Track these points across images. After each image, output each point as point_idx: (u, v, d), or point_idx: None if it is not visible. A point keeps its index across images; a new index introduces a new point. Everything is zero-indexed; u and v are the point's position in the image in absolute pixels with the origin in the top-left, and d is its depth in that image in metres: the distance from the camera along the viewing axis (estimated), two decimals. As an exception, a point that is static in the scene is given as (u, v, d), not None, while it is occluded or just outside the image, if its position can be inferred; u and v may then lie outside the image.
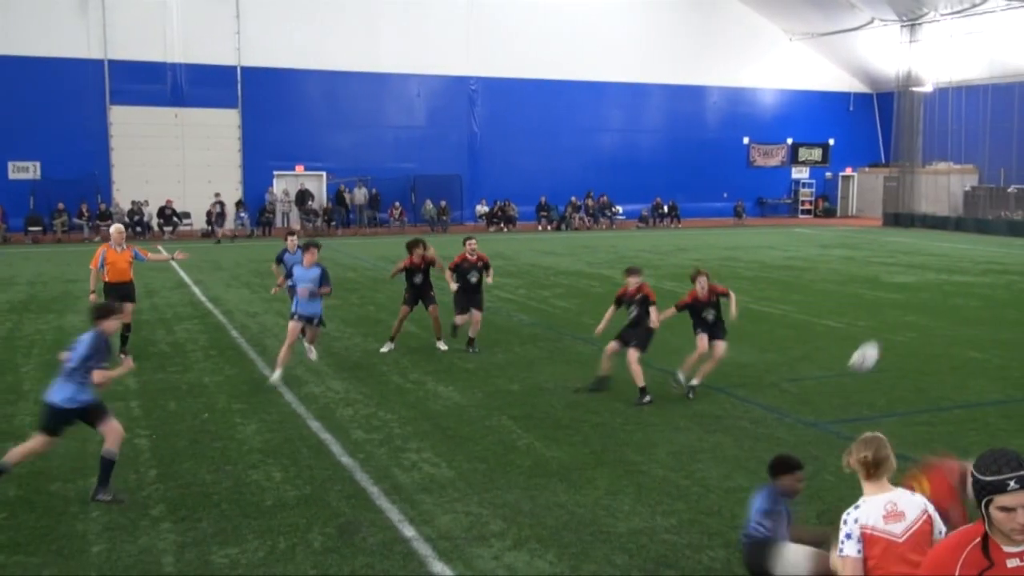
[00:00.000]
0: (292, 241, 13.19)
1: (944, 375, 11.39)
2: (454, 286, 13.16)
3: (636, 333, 10.64)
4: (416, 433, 9.25)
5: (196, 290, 19.53)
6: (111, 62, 33.91)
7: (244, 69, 35.74)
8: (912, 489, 4.61)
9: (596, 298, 18.17)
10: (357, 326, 15.32)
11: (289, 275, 12.53)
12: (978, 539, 3.05)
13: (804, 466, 5.92)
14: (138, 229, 33.12)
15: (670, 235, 35.75)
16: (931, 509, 4.14)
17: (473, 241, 13.52)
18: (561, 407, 10.25)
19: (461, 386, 11.19)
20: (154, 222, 33.85)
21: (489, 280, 13.67)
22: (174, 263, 18.62)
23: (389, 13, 37.25)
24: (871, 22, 40.14)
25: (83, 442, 8.89)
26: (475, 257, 13.30)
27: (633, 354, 10.47)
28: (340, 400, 10.57)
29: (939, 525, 4.10)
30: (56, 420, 7.37)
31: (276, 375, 11.17)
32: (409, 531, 6.77)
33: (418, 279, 13.36)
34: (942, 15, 37.19)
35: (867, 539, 3.96)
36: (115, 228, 13.01)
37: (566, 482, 7.81)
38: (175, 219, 33.85)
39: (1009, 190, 38.37)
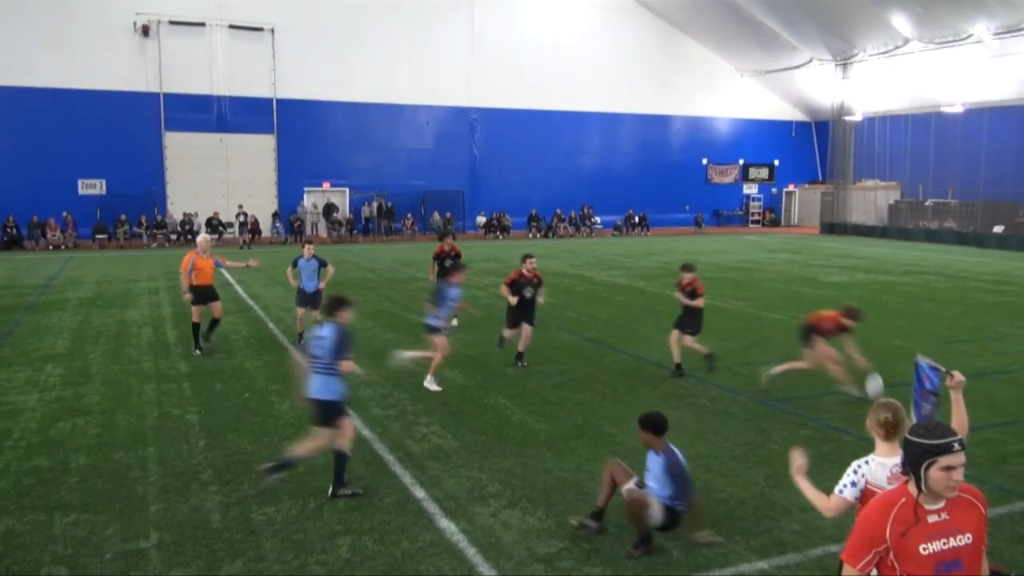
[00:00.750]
0: (309, 250, 12.66)
1: (872, 360, 11.37)
2: (513, 300, 11.41)
3: (689, 321, 10.98)
4: (426, 410, 9.24)
5: (238, 288, 19.48)
6: (166, 95, 33.79)
7: (279, 100, 35.62)
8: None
9: (578, 295, 18.19)
10: (375, 319, 15.29)
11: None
12: (904, 499, 3.04)
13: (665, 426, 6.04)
14: (188, 237, 33.06)
15: (640, 242, 35.74)
16: None
17: (533, 260, 11.70)
18: (548, 387, 10.25)
19: (463, 370, 11.18)
20: (203, 230, 33.69)
21: (541, 299, 11.76)
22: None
23: (402, 53, 37.21)
24: (810, 61, 40.18)
25: (140, 418, 8.88)
26: (531, 274, 11.59)
27: (689, 340, 10.92)
28: (361, 382, 10.51)
29: None
30: (332, 414, 6.76)
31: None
32: (420, 492, 6.76)
33: (448, 263, 14.39)
34: (870, 55, 37.23)
35: (867, 494, 3.90)
36: (202, 238, 12.71)
37: (553, 451, 7.81)
38: (220, 228, 33.73)
39: (926, 203, 38.43)
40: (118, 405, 9.38)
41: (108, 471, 7.24)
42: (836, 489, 4.00)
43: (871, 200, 41.27)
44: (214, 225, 33.62)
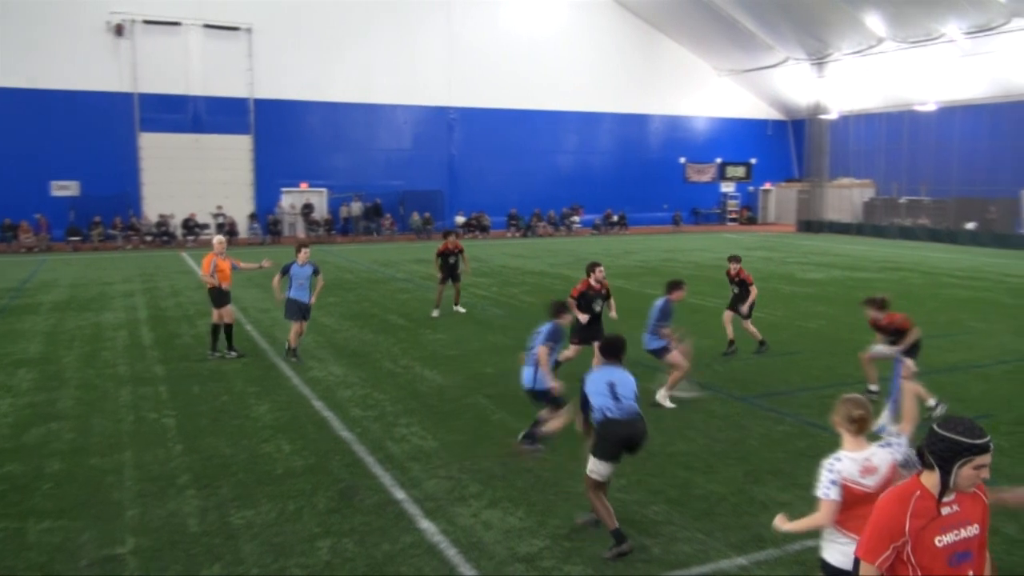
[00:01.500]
0: (305, 253, 11.88)
1: (849, 356, 11.51)
2: (584, 317, 10.12)
3: (739, 306, 11.93)
4: (406, 410, 9.20)
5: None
6: (140, 95, 33.40)
7: (256, 101, 35.34)
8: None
9: (558, 294, 18.13)
10: (354, 319, 15.21)
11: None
12: (918, 492, 3.03)
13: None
14: (165, 238, 32.73)
15: (619, 240, 35.86)
16: (898, 455, 4.03)
17: (601, 269, 10.33)
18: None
19: (444, 370, 11.15)
20: (178, 232, 33.41)
21: (613, 314, 10.53)
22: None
23: (381, 53, 37.07)
24: (785, 60, 40.51)
25: (116, 422, 8.78)
26: (600, 285, 10.27)
27: (745, 322, 12.00)
28: (340, 383, 10.49)
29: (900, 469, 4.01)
30: (547, 397, 7.62)
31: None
32: (400, 494, 6.73)
33: (452, 260, 15.48)
34: (844, 55, 37.61)
35: (846, 491, 3.90)
36: (218, 240, 12.37)
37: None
38: (196, 229, 33.43)
39: (900, 201, 38.90)
40: (93, 409, 9.26)
41: (83, 477, 7.15)
42: (820, 494, 3.96)
43: (846, 198, 41.70)
44: (190, 227, 33.33)
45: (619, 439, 5.83)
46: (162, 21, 33.32)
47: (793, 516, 5.53)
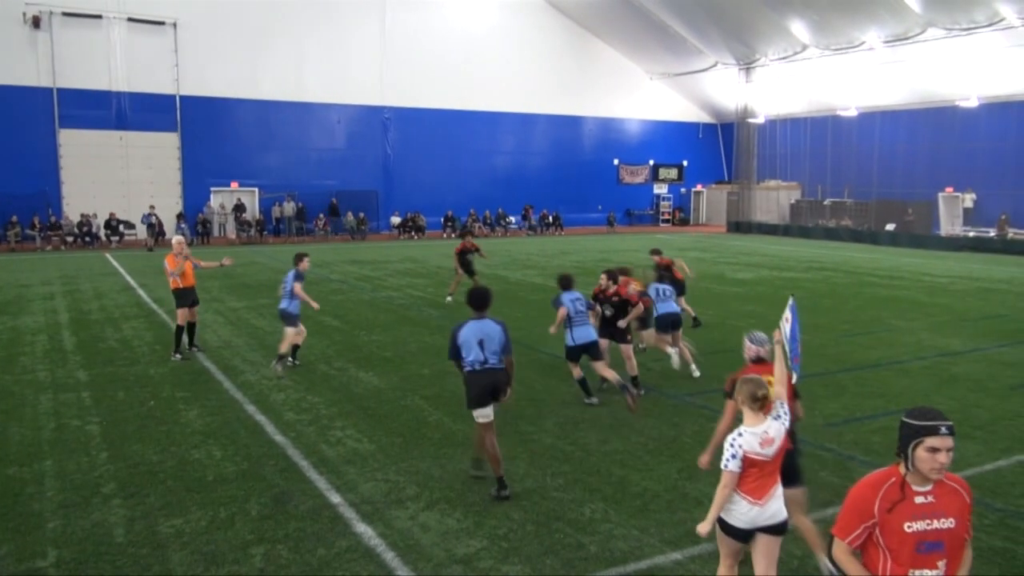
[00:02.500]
0: (307, 263, 11.52)
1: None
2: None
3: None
4: (341, 413, 9.08)
5: (141, 292, 18.70)
6: (60, 90, 32.12)
7: (182, 97, 34.38)
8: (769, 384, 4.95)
9: (494, 295, 18.15)
10: (287, 322, 14.90)
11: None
12: (894, 479, 3.25)
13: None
14: (87, 239, 31.56)
15: (554, 241, 36.11)
16: (787, 423, 4.51)
17: (604, 276, 10.17)
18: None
19: (379, 372, 11.05)
20: (102, 232, 32.26)
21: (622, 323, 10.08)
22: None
23: (313, 50, 36.52)
24: (715, 65, 41.46)
25: (35, 430, 8.43)
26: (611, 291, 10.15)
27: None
28: (273, 386, 10.30)
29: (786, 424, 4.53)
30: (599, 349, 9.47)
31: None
32: (336, 498, 6.64)
33: (469, 257, 17.81)
34: (771, 60, 38.70)
35: (747, 460, 4.35)
36: (177, 240, 12.22)
37: (470, 451, 7.75)
38: (120, 230, 32.33)
39: (825, 203, 40.22)
40: (10, 417, 8.86)
41: (0, 488, 6.83)
42: (722, 465, 4.39)
43: (774, 199, 42.91)
44: (113, 226, 32.23)
45: (483, 387, 6.67)
46: (82, 14, 32.12)
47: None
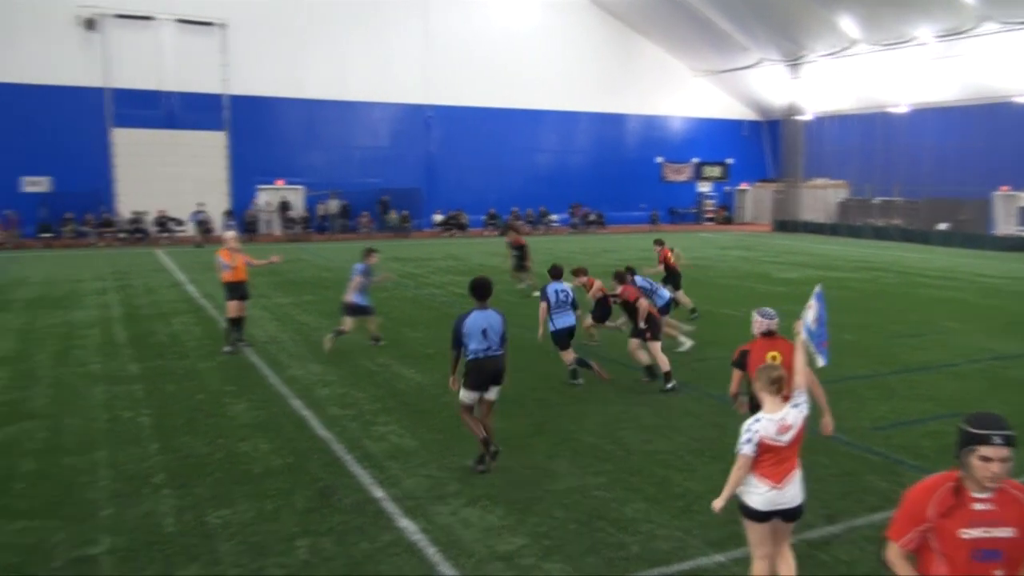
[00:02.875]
0: (376, 257, 12.36)
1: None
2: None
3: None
4: (384, 409, 9.18)
5: (190, 288, 19.11)
6: (113, 90, 32.95)
7: (231, 97, 35.02)
8: (774, 359, 5.94)
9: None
10: (333, 318, 15.06)
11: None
12: (951, 483, 3.18)
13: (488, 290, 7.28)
14: (138, 235, 32.34)
15: (596, 239, 35.96)
16: (805, 411, 4.68)
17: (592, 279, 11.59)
18: (508, 385, 10.12)
19: (422, 368, 11.14)
20: (152, 229, 33.02)
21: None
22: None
23: (357, 50, 36.88)
24: (760, 62, 40.87)
25: (90, 421, 8.67)
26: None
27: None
28: (318, 381, 10.44)
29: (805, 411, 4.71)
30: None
31: None
32: (379, 492, 6.71)
33: (517, 253, 18.62)
34: (819, 56, 38.02)
35: (763, 445, 4.54)
36: (231, 235, 12.73)
37: (512, 448, 7.80)
38: (170, 226, 33.06)
39: (874, 201, 39.41)
40: (66, 409, 9.14)
41: (56, 476, 7.05)
42: (738, 449, 4.59)
43: (821, 198, 42.16)
44: (163, 223, 32.96)
45: (488, 373, 7.13)
46: (134, 15, 32.90)
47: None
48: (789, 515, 4.68)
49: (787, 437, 4.57)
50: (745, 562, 5.56)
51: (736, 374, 6.32)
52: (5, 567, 5.42)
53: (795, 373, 4.86)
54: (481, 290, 7.24)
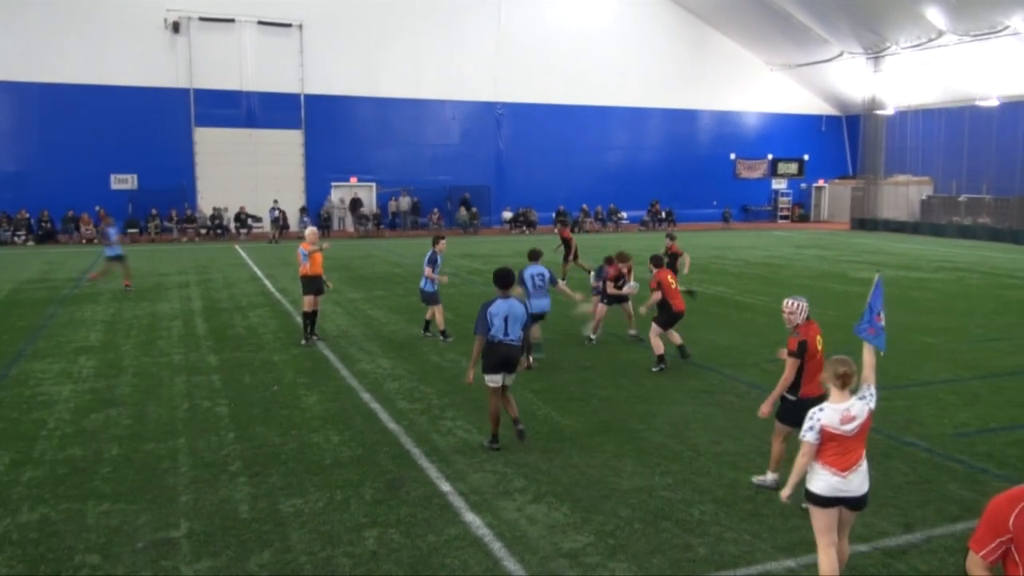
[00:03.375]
0: (443, 244, 12.74)
1: (902, 357, 11.26)
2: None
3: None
4: (451, 404, 9.27)
5: (267, 283, 19.68)
6: (196, 90, 34.16)
7: (307, 96, 35.89)
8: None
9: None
10: (402, 313, 15.35)
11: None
12: None
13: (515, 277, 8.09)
14: (218, 231, 33.46)
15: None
16: (872, 404, 4.83)
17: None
18: (574, 383, 10.24)
19: (489, 364, 11.18)
20: (232, 225, 34.12)
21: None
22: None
23: (429, 48, 37.32)
24: (840, 55, 39.64)
25: (171, 409, 9.02)
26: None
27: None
28: (387, 376, 10.62)
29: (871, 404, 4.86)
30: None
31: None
32: (446, 486, 6.79)
33: (560, 247, 19.17)
34: (902, 48, 36.66)
35: (826, 434, 4.70)
36: (311, 230, 13.33)
37: (578, 446, 7.80)
38: (249, 222, 34.09)
39: (960, 199, 37.81)
40: (149, 397, 9.53)
41: (139, 461, 7.36)
42: (801, 436, 4.77)
43: (903, 195, 40.67)
44: (242, 219, 33.98)
45: (501, 357, 7.53)
46: (217, 18, 34.02)
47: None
48: (853, 504, 4.79)
49: (851, 427, 4.71)
50: (815, 567, 5.43)
51: (794, 364, 6.52)
52: (92, 547, 5.69)
53: (865, 367, 5.02)
54: (503, 279, 7.74)
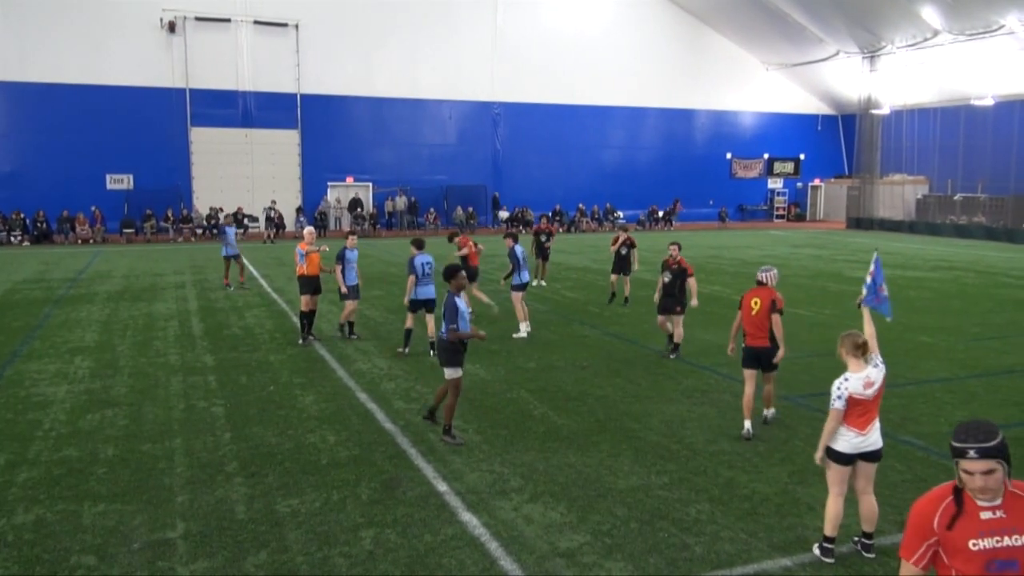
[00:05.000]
0: (353, 240, 13.11)
1: (899, 356, 11.27)
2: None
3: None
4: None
5: (263, 283, 19.66)
6: (192, 90, 34.10)
7: (303, 96, 35.85)
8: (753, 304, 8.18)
9: (600, 290, 18.11)
10: (399, 313, 15.28)
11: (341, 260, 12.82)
12: (951, 494, 3.02)
13: (460, 270, 8.22)
14: (214, 231, 33.39)
15: (664, 236, 35.53)
16: (884, 369, 5.57)
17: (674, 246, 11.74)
18: (570, 382, 10.24)
19: (486, 364, 11.20)
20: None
21: (694, 301, 11.88)
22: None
23: (425, 48, 37.30)
24: (836, 54, 39.71)
25: (167, 410, 9.00)
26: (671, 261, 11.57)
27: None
28: (384, 375, 10.61)
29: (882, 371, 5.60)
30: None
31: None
32: (442, 486, 6.79)
33: (543, 238, 18.85)
34: (898, 48, 36.72)
35: (851, 400, 5.41)
36: (308, 231, 13.38)
37: (574, 446, 7.80)
38: (245, 223, 34.04)
39: (955, 198, 37.89)
40: (145, 397, 9.51)
41: (136, 462, 7.35)
42: (830, 405, 5.44)
43: (899, 194, 40.75)
44: (239, 220, 33.92)
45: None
46: (213, 18, 33.97)
47: (843, 522, 5.48)
48: (872, 456, 5.51)
49: (871, 391, 5.45)
50: (813, 566, 5.46)
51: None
52: (88, 548, 5.68)
53: (869, 338, 5.69)
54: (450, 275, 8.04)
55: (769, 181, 45.71)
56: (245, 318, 14.78)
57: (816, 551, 5.59)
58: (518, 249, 13.52)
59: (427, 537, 5.84)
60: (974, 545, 2.94)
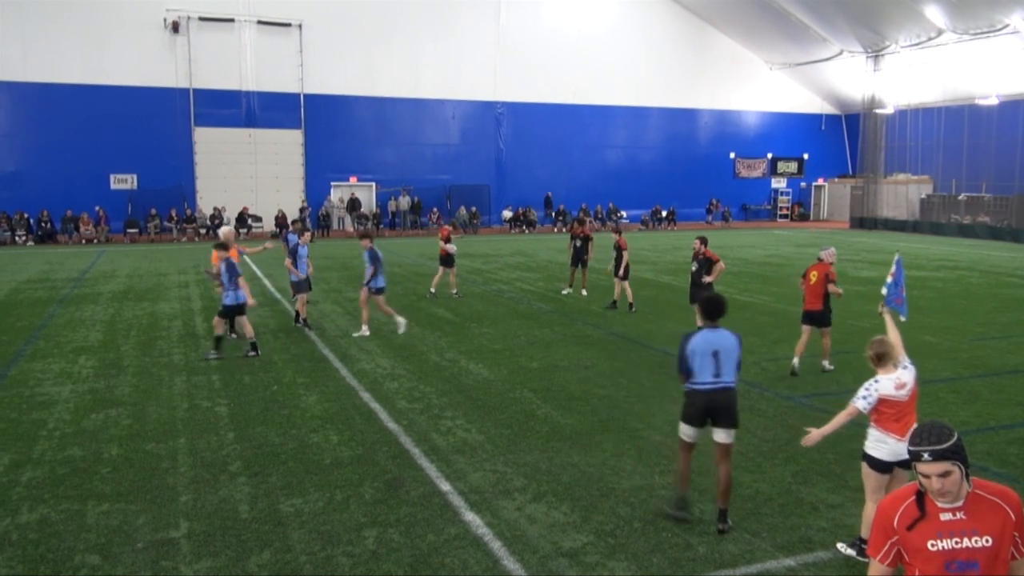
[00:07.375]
0: (307, 236, 13.91)
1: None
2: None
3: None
4: (451, 403, 9.27)
5: (267, 283, 19.68)
6: (195, 90, 34.17)
7: (306, 96, 35.89)
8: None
9: (603, 290, 18.09)
10: (401, 313, 15.30)
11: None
12: (914, 496, 3.02)
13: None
14: (218, 231, 33.45)
15: (667, 236, 35.53)
16: (914, 370, 5.49)
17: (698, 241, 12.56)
18: (574, 382, 10.24)
19: (489, 364, 11.20)
20: (232, 225, 34.08)
21: (708, 278, 12.23)
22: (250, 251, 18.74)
23: (428, 48, 37.34)
24: (840, 54, 39.65)
25: (171, 409, 9.02)
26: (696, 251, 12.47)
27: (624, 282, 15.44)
28: (387, 375, 10.61)
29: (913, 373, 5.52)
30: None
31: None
32: (445, 486, 6.79)
33: (578, 243, 17.37)
34: (902, 47, 36.67)
35: (883, 401, 5.32)
36: (224, 230, 13.42)
37: (578, 445, 7.80)
38: (250, 222, 34.09)
39: (960, 198, 37.81)
40: (149, 397, 9.53)
41: (139, 462, 7.36)
42: (853, 400, 5.37)
43: (902, 194, 40.69)
44: (243, 219, 33.97)
45: (701, 407, 6.01)
46: (216, 18, 34.03)
47: (843, 515, 5.46)
48: (909, 464, 5.11)
49: (904, 392, 5.35)
50: (816, 566, 5.45)
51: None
52: (92, 547, 5.69)
53: (896, 344, 5.68)
54: (712, 309, 6.15)
55: (773, 181, 45.67)
56: (248, 317, 14.76)
57: (850, 551, 5.57)
58: (374, 251, 13.28)
59: (430, 537, 5.85)
60: (932, 546, 2.94)
